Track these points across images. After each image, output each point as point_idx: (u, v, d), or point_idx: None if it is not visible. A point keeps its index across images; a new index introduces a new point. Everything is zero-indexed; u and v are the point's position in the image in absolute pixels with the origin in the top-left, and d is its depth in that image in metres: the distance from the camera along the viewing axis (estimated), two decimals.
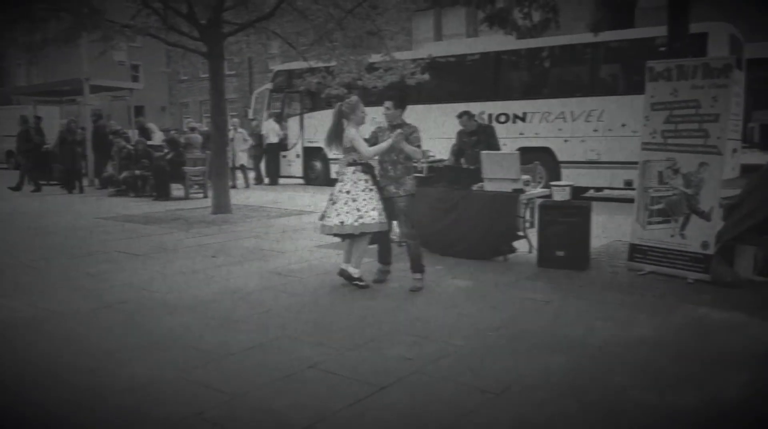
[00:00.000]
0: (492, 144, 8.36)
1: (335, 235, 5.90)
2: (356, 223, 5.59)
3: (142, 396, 3.56)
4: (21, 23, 9.88)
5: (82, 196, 14.32)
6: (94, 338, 4.54)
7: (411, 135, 5.83)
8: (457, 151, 8.70)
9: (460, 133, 8.78)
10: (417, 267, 5.92)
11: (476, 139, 8.41)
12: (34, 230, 9.36)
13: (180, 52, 12.62)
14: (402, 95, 6.31)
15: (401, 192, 5.85)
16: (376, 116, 12.93)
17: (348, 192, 5.68)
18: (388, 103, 5.93)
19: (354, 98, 5.97)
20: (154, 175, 13.60)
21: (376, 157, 5.85)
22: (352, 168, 5.76)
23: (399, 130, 5.68)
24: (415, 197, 5.99)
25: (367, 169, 5.79)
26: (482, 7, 10.48)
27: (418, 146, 5.91)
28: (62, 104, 21.97)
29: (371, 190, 5.73)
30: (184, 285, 6.04)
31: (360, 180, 5.72)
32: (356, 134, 5.77)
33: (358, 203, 5.63)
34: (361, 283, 5.78)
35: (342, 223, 5.61)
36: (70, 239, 8.57)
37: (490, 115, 13.11)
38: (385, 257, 6.17)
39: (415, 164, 8.18)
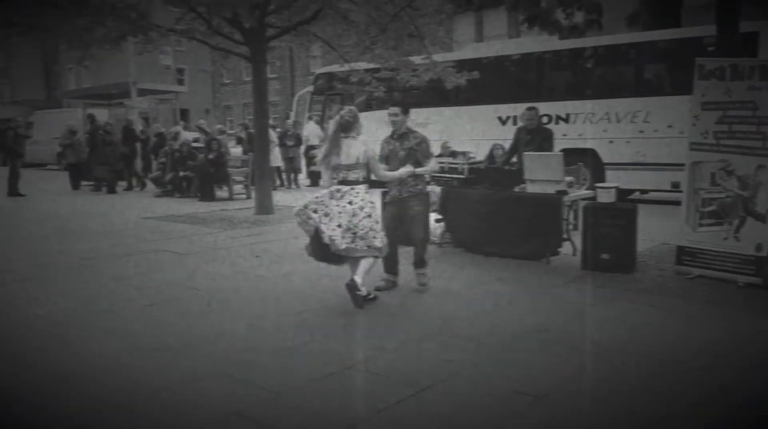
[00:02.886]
0: (545, 147, 7.97)
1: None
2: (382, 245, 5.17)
3: (184, 393, 3.61)
4: (74, 22, 10.13)
5: (124, 197, 14.63)
6: (139, 335, 4.62)
7: (419, 146, 5.60)
8: (512, 149, 8.50)
9: (519, 130, 8.56)
10: (420, 262, 5.74)
11: (530, 138, 8.18)
12: (81, 229, 9.59)
13: (223, 54, 12.83)
14: (408, 100, 6.13)
15: (404, 193, 5.58)
16: (416, 118, 12.89)
17: (369, 215, 5.12)
18: (395, 109, 5.60)
19: (356, 108, 5.54)
20: (198, 176, 13.82)
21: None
22: (363, 187, 5.25)
23: (409, 168, 5.44)
24: (427, 199, 5.71)
25: (378, 184, 5.48)
26: (525, 8, 10.39)
27: (429, 156, 5.65)
28: (111, 107, 22.52)
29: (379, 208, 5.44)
30: (228, 284, 6.11)
31: (370, 200, 5.27)
32: (375, 152, 5.34)
33: (379, 224, 5.21)
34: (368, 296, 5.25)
35: (378, 246, 5.13)
36: (117, 238, 8.76)
37: None
38: (389, 267, 5.78)
39: (454, 165, 8.15)
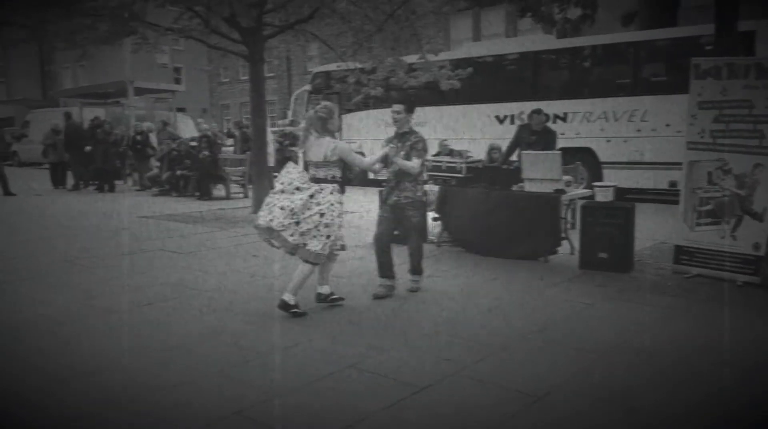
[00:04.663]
0: (549, 149, 8.02)
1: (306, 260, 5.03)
2: (325, 251, 4.97)
3: (183, 393, 3.61)
4: (68, 22, 10.10)
5: (120, 196, 14.59)
6: (137, 335, 4.61)
7: (416, 144, 5.43)
8: (512, 145, 8.46)
9: (522, 127, 8.51)
10: (416, 269, 5.70)
11: (535, 138, 8.15)
12: (79, 229, 9.58)
13: (221, 53, 12.81)
14: (413, 99, 5.93)
15: (402, 199, 5.42)
16: (414, 117, 12.84)
17: (322, 214, 4.92)
18: (398, 107, 5.41)
19: (331, 104, 5.32)
20: (200, 174, 13.79)
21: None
22: (330, 186, 5.03)
23: (391, 145, 5.35)
24: (424, 206, 5.51)
25: (341, 188, 5.19)
26: (517, 1, 10.37)
27: (421, 157, 5.46)
28: (107, 106, 22.44)
29: (341, 213, 5.11)
30: (226, 283, 6.11)
31: (336, 202, 5.02)
32: (349, 147, 5.23)
33: (330, 229, 4.95)
34: (298, 311, 5.02)
35: (314, 250, 4.92)
36: (114, 237, 8.75)
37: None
38: (385, 271, 5.61)
39: (452, 164, 8.14)
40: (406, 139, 5.47)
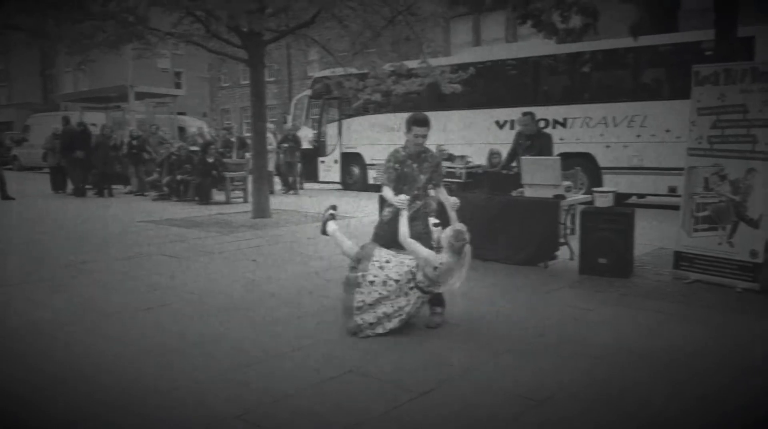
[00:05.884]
0: (545, 153, 7.87)
1: None
2: None
3: (183, 396, 3.61)
4: (74, 26, 10.14)
5: (119, 200, 14.61)
6: (136, 339, 4.61)
7: (436, 169, 5.13)
8: (511, 154, 8.50)
9: (518, 135, 8.55)
10: (436, 299, 4.95)
11: (530, 143, 8.16)
12: (78, 232, 9.59)
13: (221, 58, 12.84)
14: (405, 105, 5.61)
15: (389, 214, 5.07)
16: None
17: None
18: (424, 130, 4.86)
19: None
20: (199, 179, 13.81)
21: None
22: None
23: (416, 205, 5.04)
24: (426, 217, 5.39)
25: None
26: (514, 7, 10.34)
27: (440, 183, 5.21)
28: (108, 110, 22.49)
29: None
30: (226, 288, 6.12)
31: None
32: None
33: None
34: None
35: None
36: (113, 241, 8.75)
37: None
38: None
39: (451, 169, 8.16)
40: (423, 159, 5.04)
